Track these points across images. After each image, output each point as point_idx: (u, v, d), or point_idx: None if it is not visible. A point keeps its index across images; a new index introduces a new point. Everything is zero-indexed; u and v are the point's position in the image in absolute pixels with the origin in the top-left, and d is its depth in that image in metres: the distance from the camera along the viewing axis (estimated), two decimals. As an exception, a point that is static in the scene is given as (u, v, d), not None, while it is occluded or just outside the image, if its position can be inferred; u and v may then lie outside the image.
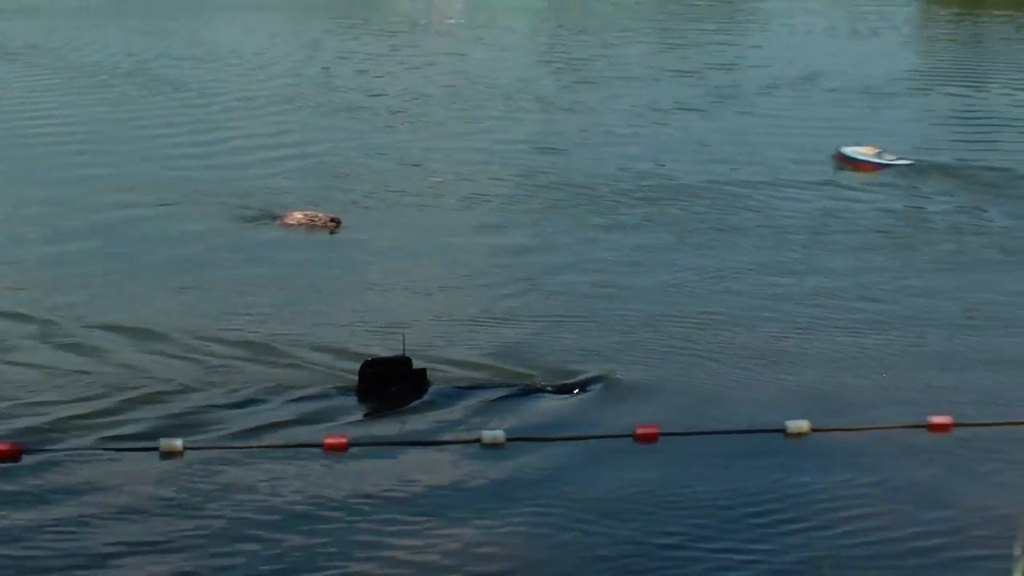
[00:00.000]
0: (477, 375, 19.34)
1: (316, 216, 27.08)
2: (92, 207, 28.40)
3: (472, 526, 15.20)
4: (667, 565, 14.54)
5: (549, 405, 18.47)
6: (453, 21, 63.62)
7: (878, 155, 32.57)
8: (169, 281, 23.53)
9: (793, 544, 14.86)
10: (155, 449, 16.63)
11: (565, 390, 18.87)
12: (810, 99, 42.17)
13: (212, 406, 18.27)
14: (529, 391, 18.80)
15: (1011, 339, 21.23)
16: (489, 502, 15.79)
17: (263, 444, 17.16)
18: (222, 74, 45.67)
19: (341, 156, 33.46)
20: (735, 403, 18.58)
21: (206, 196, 28.94)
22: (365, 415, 18.33)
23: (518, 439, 17.14)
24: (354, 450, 16.93)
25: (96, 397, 18.57)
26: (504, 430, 17.17)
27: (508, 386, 18.90)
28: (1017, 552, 7.05)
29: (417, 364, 18.90)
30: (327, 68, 47.20)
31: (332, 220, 26.99)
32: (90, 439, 17.21)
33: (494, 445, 16.82)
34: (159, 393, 18.66)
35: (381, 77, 45.54)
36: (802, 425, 17.15)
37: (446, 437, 17.48)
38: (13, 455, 16.38)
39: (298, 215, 27.17)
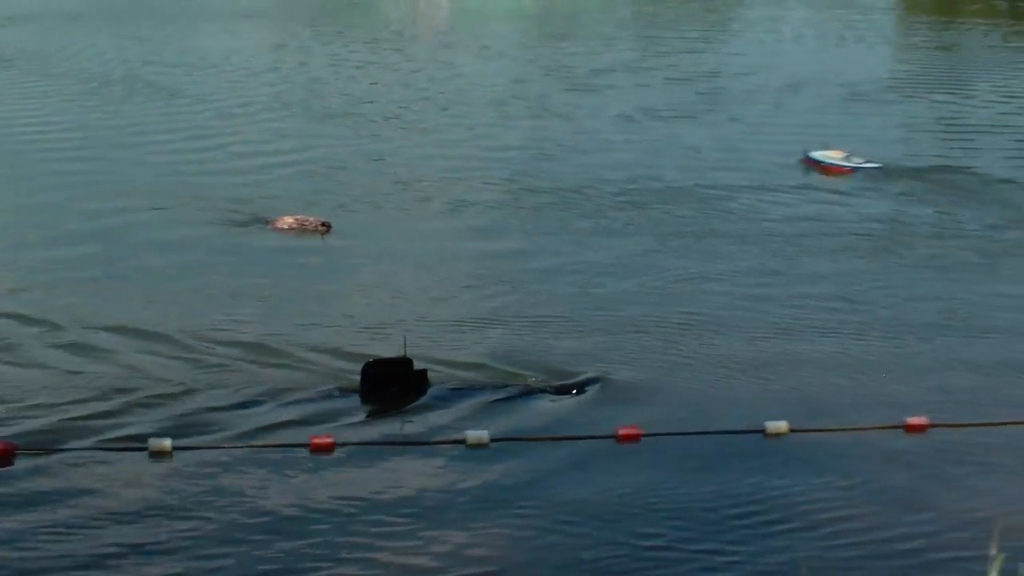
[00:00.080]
0: (474, 376, 19.46)
1: (307, 220, 27.24)
2: (83, 212, 28.41)
3: (457, 528, 15.27)
4: (648, 566, 14.63)
5: (541, 406, 18.58)
6: (440, 28, 63.76)
7: (846, 158, 32.84)
8: (162, 285, 23.60)
9: (774, 546, 14.94)
10: (144, 449, 16.99)
11: (562, 391, 18.98)
12: (788, 105, 42.34)
13: (212, 408, 18.34)
14: (523, 392, 18.91)
15: (986, 341, 21.36)
16: (474, 504, 15.88)
17: (251, 444, 17.21)
18: (213, 81, 45.70)
19: (330, 161, 33.58)
20: (717, 405, 18.70)
21: (197, 200, 29.00)
22: (366, 416, 18.41)
23: (502, 439, 17.41)
24: (341, 450, 17.17)
25: (93, 399, 18.60)
26: (489, 431, 17.55)
27: (504, 387, 19.01)
28: (992, 552, 7.12)
29: (418, 365, 19.05)
30: (316, 74, 47.26)
31: (323, 224, 27.14)
32: (84, 440, 17.25)
33: (479, 445, 17.23)
34: (160, 395, 18.71)
35: (369, 83, 45.64)
36: (781, 426, 17.58)
37: (434, 437, 17.60)
38: (4, 454, 16.65)
39: (289, 219, 27.31)
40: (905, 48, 58.38)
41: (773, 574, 14.47)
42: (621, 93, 43.84)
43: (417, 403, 18.71)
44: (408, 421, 18.44)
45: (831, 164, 32.66)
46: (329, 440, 17.20)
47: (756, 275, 24.50)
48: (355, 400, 18.74)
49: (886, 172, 32.23)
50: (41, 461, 16.79)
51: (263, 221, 27.53)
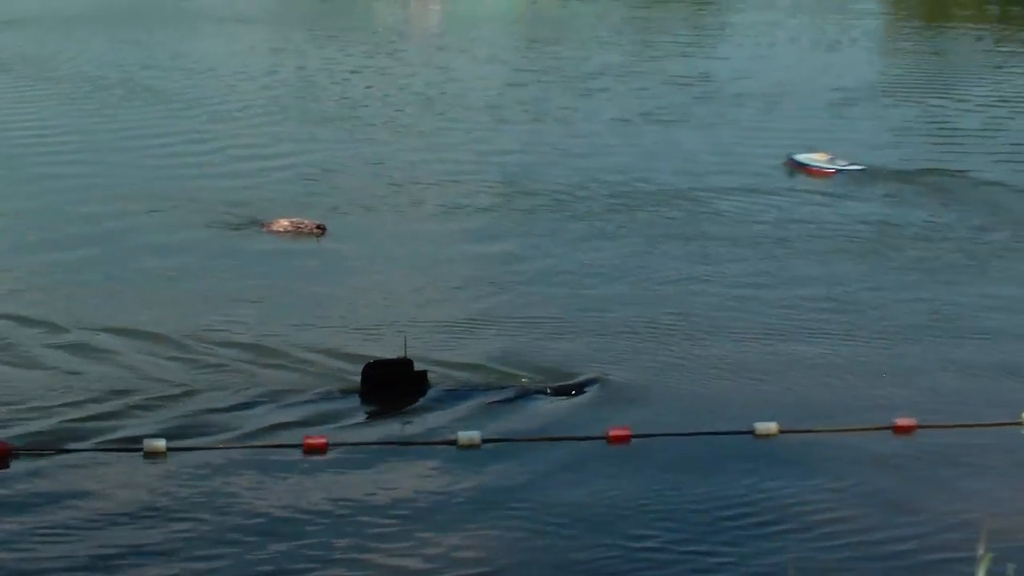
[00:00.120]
0: (471, 377, 19.56)
1: (302, 223, 27.34)
2: (81, 215, 28.45)
3: (447, 529, 15.36)
4: (637, 567, 14.73)
5: (534, 407, 18.69)
6: (432, 31, 63.85)
7: (830, 160, 33.05)
8: (158, 287, 23.69)
9: (763, 547, 15.04)
10: (139, 450, 17.07)
11: (557, 392, 19.07)
12: (778, 108, 42.39)
13: (211, 409, 18.41)
14: (517, 393, 19.02)
15: (973, 342, 21.49)
16: (465, 505, 15.99)
17: (245, 445, 17.29)
18: (210, 84, 45.72)
19: (325, 164, 33.63)
20: (707, 406, 18.83)
21: (193, 203, 29.07)
22: (364, 417, 18.51)
23: (493, 440, 17.52)
24: (335, 451, 17.26)
25: (90, 400, 18.66)
26: (480, 431, 17.65)
27: (500, 388, 19.12)
28: (980, 553, 7.17)
29: (418, 366, 19.16)
30: (310, 78, 47.28)
31: (318, 227, 27.24)
32: (80, 441, 17.32)
33: (470, 446, 17.35)
34: (158, 397, 18.78)
35: (364, 87, 45.66)
36: (770, 427, 17.69)
37: (428, 438, 17.71)
38: (1, 455, 16.74)
39: (284, 222, 27.41)
40: (895, 52, 58.46)
41: (762, 575, 14.56)
42: (612, 96, 43.93)
43: (415, 404, 18.83)
44: (405, 422, 18.56)
45: (814, 166, 32.90)
46: (322, 441, 17.29)
47: (745, 277, 24.63)
48: (355, 401, 18.84)
49: (870, 174, 32.41)
50: (38, 462, 16.87)
51: (258, 224, 27.61)
